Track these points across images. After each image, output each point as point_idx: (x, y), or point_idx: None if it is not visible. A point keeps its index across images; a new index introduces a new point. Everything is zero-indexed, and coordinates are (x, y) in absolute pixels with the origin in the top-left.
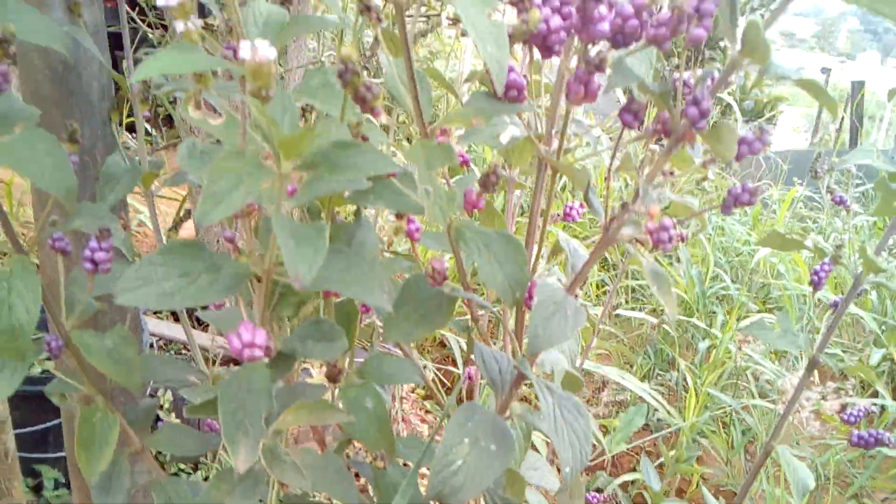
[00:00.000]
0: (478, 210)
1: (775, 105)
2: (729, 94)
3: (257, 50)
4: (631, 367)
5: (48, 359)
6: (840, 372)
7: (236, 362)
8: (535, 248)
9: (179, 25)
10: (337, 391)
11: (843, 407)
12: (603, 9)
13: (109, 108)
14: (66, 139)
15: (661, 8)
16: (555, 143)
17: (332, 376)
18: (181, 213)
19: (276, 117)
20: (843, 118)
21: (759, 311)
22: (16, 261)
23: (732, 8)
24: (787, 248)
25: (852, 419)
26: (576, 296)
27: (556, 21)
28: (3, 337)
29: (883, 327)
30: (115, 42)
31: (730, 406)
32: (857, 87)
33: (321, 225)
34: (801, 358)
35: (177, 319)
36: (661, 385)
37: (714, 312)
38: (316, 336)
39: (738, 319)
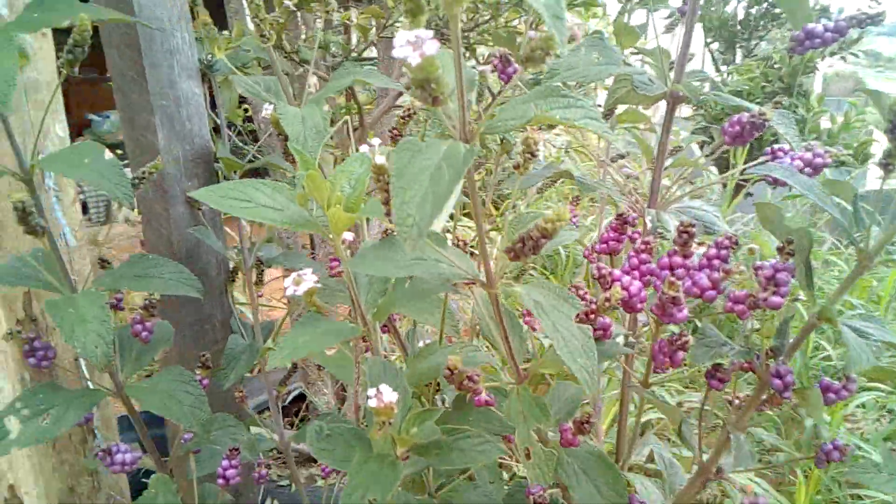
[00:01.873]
0: None
1: (867, 146)
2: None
3: (382, 395)
4: None
5: None
6: None
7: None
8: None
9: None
10: None
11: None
12: (681, 306)
13: (225, 280)
14: (200, 366)
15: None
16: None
17: None
18: None
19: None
20: None
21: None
22: (159, 480)
23: (808, 272)
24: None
25: None
26: None
27: (635, 287)
28: None
29: None
30: None
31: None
32: None
33: None
34: None
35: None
36: (764, 463)
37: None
38: None
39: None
